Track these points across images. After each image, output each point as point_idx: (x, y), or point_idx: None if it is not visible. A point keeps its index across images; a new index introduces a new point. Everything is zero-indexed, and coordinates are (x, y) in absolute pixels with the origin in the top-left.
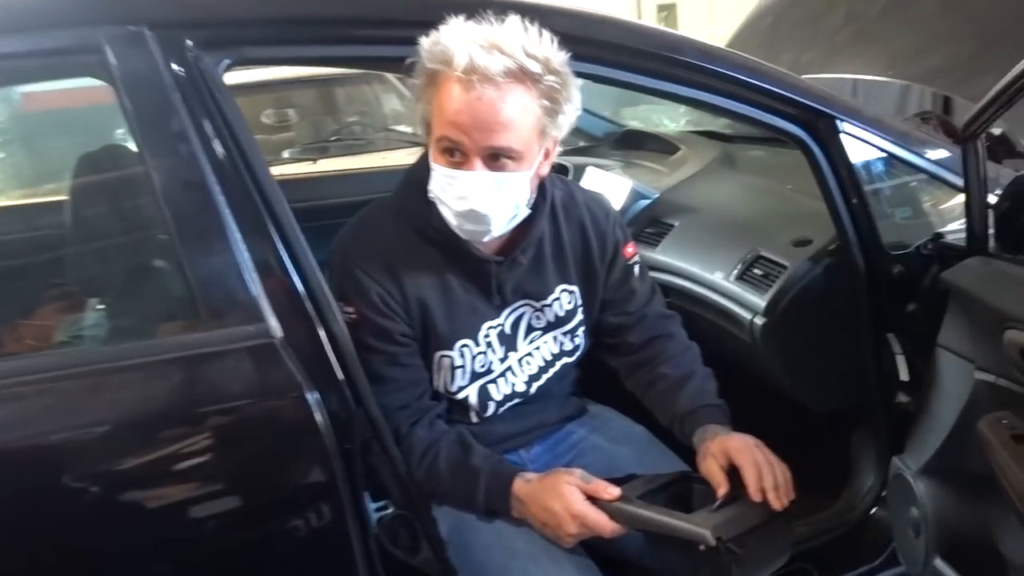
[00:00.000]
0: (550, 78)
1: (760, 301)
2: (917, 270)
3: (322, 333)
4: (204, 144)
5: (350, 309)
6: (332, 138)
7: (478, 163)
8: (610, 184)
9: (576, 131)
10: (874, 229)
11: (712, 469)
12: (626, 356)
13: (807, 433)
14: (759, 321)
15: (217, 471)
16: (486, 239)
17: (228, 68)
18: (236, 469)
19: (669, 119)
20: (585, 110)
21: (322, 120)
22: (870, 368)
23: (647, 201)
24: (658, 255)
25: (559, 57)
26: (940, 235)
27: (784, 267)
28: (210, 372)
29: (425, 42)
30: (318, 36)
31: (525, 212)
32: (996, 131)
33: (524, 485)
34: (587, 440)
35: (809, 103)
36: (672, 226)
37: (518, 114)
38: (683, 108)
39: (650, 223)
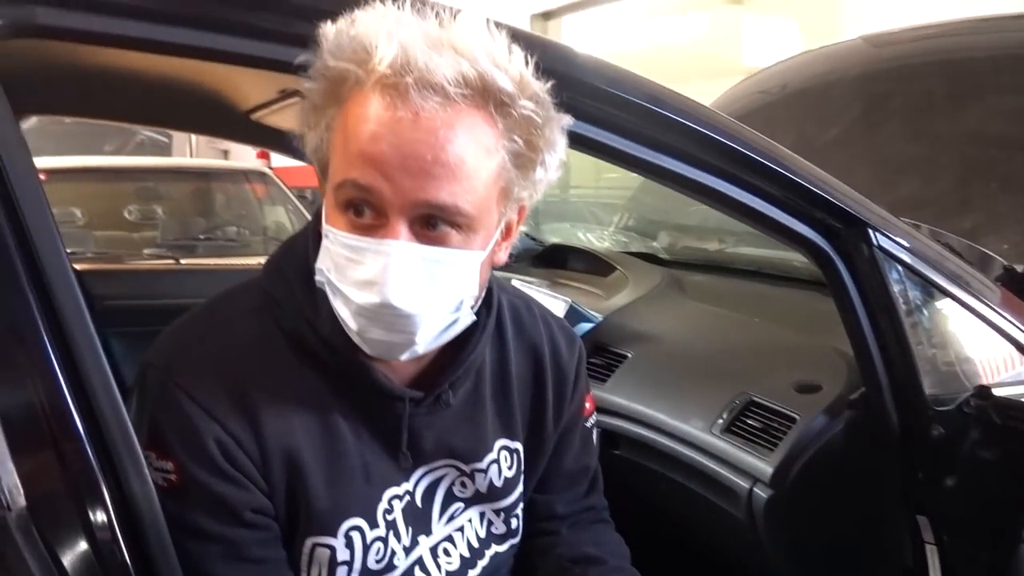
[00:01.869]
0: (527, 105)
1: (763, 465)
2: (957, 434)
3: (110, 503)
4: None
5: (167, 464)
6: (201, 236)
7: (402, 228)
8: (542, 302)
9: None
10: (914, 375)
11: None
12: (560, 556)
13: None
14: (763, 493)
15: None
16: (404, 357)
17: (3, 36)
18: None
19: (596, 238)
20: None
21: (193, 219)
22: (895, 563)
23: (590, 325)
24: (607, 393)
25: (539, 83)
26: (986, 388)
27: (792, 419)
28: None
29: (330, 29)
30: (155, 5)
31: (468, 320)
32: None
33: None
34: None
35: (838, 204)
36: (625, 357)
37: (473, 154)
38: (611, 228)
39: (595, 352)
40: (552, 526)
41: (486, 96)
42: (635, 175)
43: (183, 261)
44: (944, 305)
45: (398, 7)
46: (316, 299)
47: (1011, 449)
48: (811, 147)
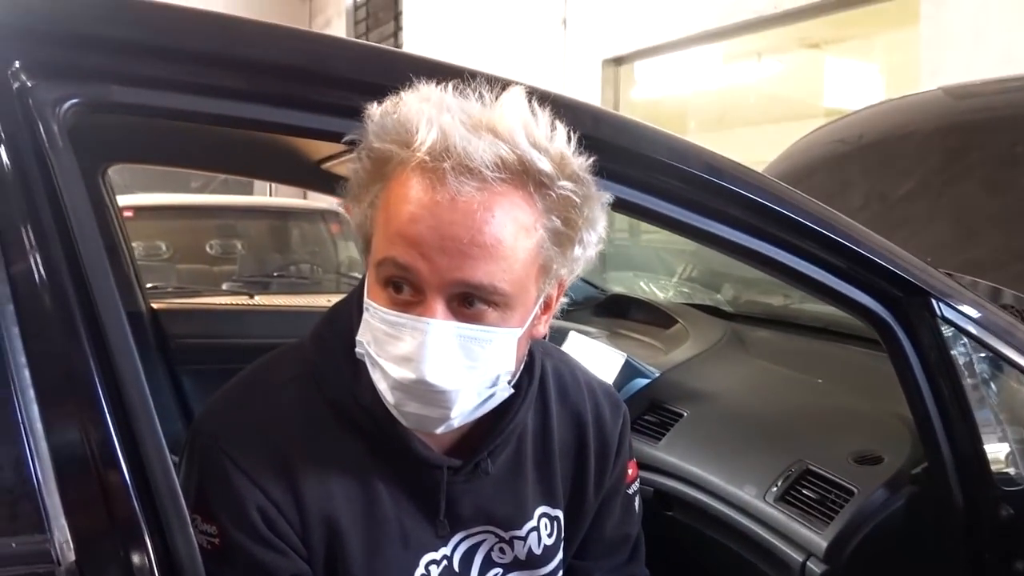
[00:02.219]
0: (566, 185)
1: (818, 539)
2: None
3: (155, 563)
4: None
5: (211, 528)
6: (275, 273)
7: (439, 306)
8: (598, 355)
9: None
10: (980, 451)
11: None
12: None
13: None
14: (817, 568)
15: None
16: (440, 430)
17: (76, 112)
18: None
19: (659, 288)
20: None
21: (270, 255)
22: None
23: (645, 381)
24: (661, 452)
25: (580, 160)
26: None
27: (850, 492)
28: None
29: (376, 111)
30: (219, 82)
31: (505, 394)
32: None
33: None
34: None
35: (899, 273)
36: (680, 415)
37: (511, 234)
38: (675, 278)
39: (650, 409)
40: None
41: (525, 178)
42: None
43: (257, 297)
44: (1015, 379)
45: (442, 88)
46: (358, 369)
47: None
48: (887, 199)
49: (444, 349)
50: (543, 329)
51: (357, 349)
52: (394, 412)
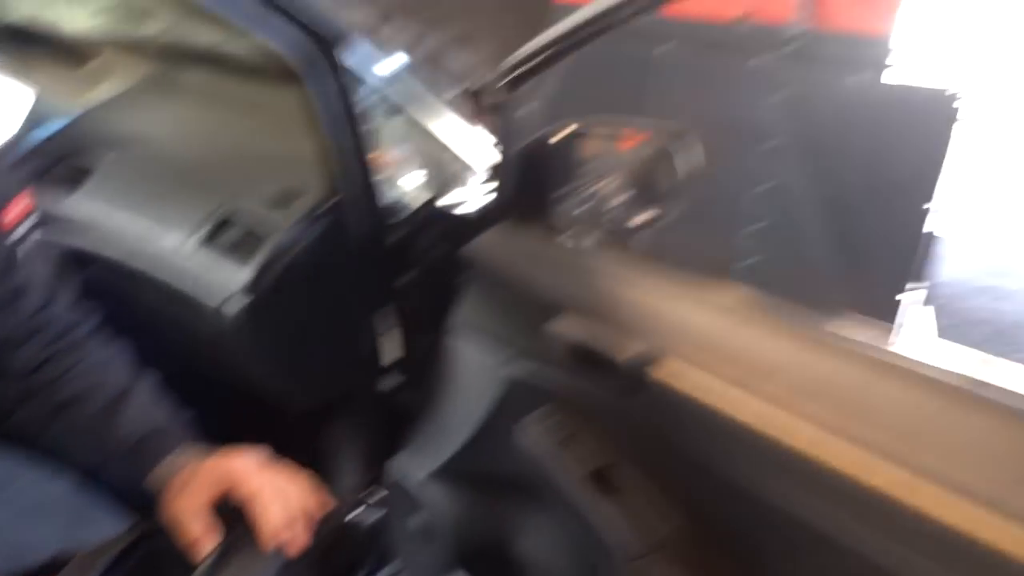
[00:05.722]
0: None
1: (239, 275)
2: (410, 238)
3: None
4: None
5: None
6: None
7: None
8: None
9: None
10: (370, 187)
11: (190, 511)
12: (11, 382)
13: (278, 435)
14: (235, 307)
15: None
16: None
17: None
18: None
19: (71, 18)
20: None
21: None
22: (358, 354)
23: (56, 126)
24: (75, 209)
25: None
26: (433, 201)
27: (271, 230)
28: None
29: None
30: None
31: None
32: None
33: None
34: None
35: (309, 24)
36: (99, 164)
37: None
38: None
39: (61, 158)
40: None
41: None
42: None
43: None
44: (406, 123)
45: None
46: None
47: (446, 249)
48: None
49: None
50: None
51: None
52: None
